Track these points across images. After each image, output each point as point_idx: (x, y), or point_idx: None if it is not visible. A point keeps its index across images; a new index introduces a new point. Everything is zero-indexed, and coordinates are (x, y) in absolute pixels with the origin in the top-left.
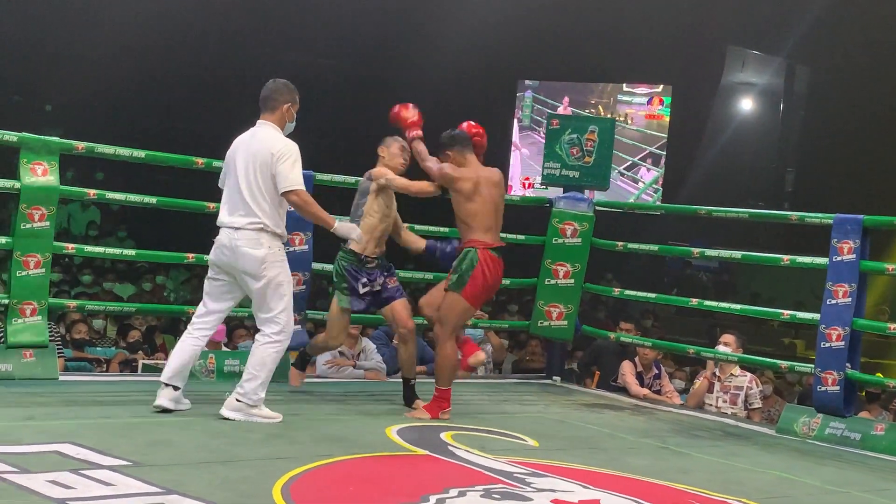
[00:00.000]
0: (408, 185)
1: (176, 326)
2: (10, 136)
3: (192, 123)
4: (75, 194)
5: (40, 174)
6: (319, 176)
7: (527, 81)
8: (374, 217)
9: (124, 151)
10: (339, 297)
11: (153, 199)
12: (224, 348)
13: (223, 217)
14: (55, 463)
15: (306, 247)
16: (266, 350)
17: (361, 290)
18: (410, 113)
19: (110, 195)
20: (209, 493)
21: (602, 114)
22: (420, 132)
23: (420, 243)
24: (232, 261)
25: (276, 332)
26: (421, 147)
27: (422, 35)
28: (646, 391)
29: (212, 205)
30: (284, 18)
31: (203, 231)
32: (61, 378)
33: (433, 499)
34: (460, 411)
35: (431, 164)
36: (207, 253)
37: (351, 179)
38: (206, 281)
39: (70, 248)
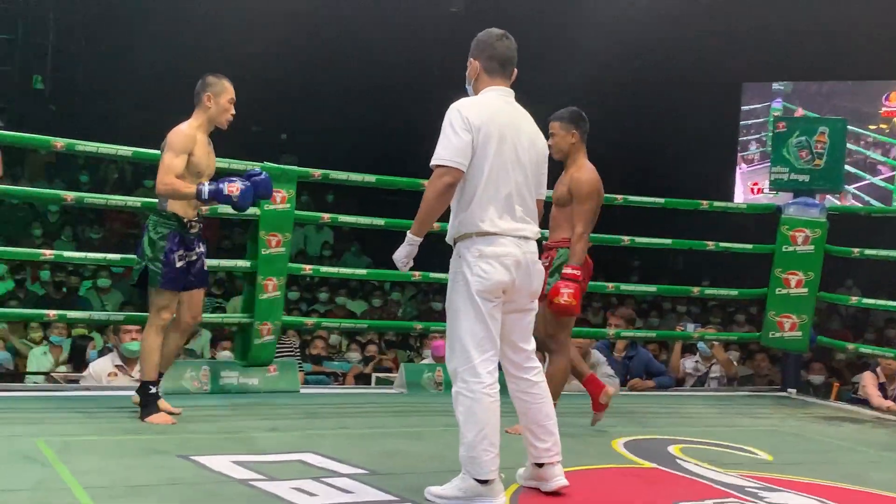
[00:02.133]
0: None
1: (406, 342)
2: (254, 167)
3: (417, 146)
4: (310, 219)
5: (279, 201)
6: None
7: (774, 85)
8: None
9: (356, 177)
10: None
11: (381, 221)
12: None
13: (498, 221)
14: (298, 471)
15: None
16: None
17: (178, 264)
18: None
19: (342, 218)
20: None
21: None
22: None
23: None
24: (525, 281)
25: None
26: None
27: (641, 38)
28: (889, 403)
29: (439, 226)
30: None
31: (429, 248)
32: (301, 391)
33: None
34: (690, 424)
35: (588, 207)
36: (434, 270)
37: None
38: (481, 322)
39: (307, 269)
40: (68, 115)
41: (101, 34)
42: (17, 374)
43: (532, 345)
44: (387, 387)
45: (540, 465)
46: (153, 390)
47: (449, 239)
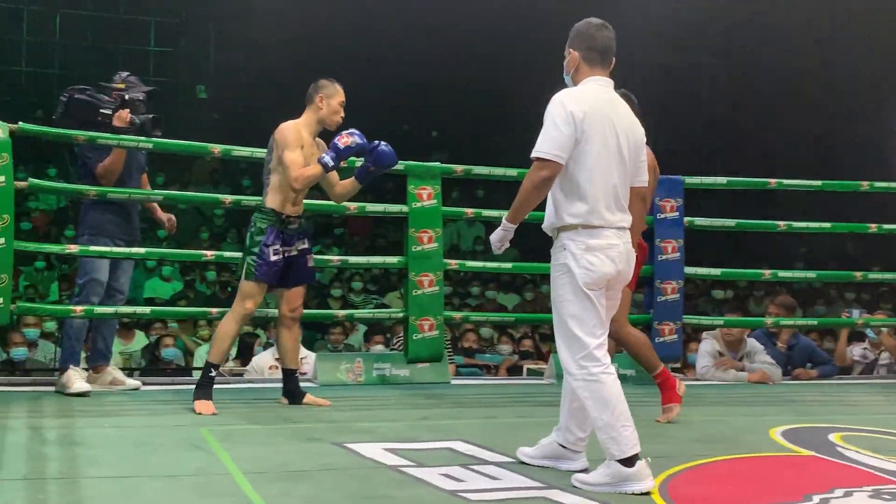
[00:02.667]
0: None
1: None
2: (397, 165)
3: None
4: (455, 214)
5: (425, 198)
6: (689, 180)
7: None
8: (280, 174)
9: (498, 171)
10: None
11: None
12: None
13: (605, 213)
14: (447, 458)
15: (678, 254)
16: None
17: (272, 257)
18: None
19: (487, 213)
20: (589, 489)
21: None
22: None
23: (354, 183)
24: (626, 271)
25: None
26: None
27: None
28: None
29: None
30: (667, 20)
31: None
32: (452, 382)
33: (816, 498)
34: (853, 412)
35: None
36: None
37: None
38: (590, 310)
39: (453, 264)
40: (230, 122)
41: (262, 43)
42: (185, 370)
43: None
44: (537, 378)
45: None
46: (213, 374)
47: (547, 228)
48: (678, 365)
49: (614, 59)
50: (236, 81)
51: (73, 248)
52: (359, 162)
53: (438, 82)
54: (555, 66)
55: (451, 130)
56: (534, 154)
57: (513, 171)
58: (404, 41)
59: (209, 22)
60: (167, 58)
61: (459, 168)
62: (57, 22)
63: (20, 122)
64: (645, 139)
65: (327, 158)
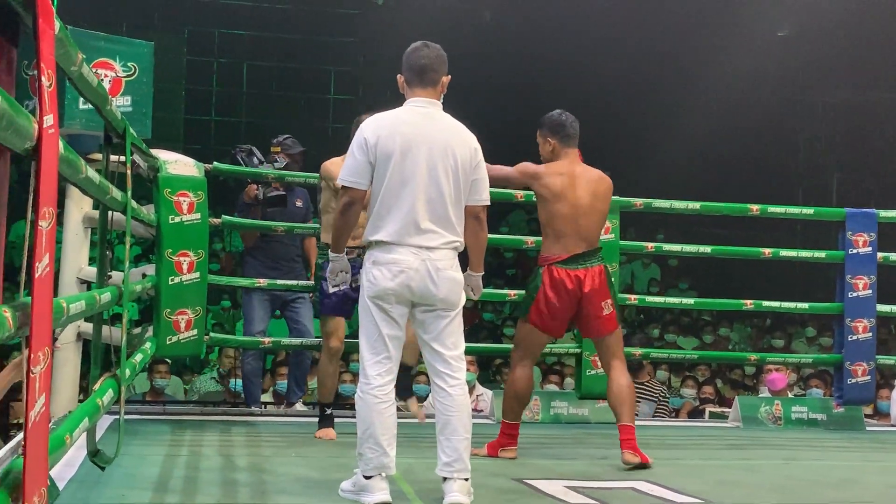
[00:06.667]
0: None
1: (740, 381)
2: None
3: (742, 176)
4: (635, 248)
5: (603, 233)
6: (884, 213)
7: None
8: (330, 213)
9: (679, 205)
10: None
11: (707, 249)
12: (789, 394)
13: (398, 232)
14: (631, 498)
15: (870, 291)
16: (469, 402)
17: (331, 290)
18: None
19: (667, 247)
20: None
21: None
22: None
23: None
24: (423, 287)
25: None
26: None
27: None
28: None
29: (767, 251)
30: (849, 56)
31: (759, 278)
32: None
33: None
34: None
35: (508, 169)
36: (766, 299)
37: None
38: (371, 324)
39: (633, 298)
40: None
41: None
42: None
43: (454, 351)
44: (720, 420)
45: (443, 479)
46: (328, 411)
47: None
48: (869, 411)
49: (445, 77)
50: None
51: (262, 283)
52: None
53: (615, 117)
54: (742, 94)
55: (626, 164)
56: (336, 181)
57: (696, 204)
58: (585, 73)
59: (385, 70)
60: (346, 105)
61: (639, 202)
62: (244, 73)
63: (214, 163)
64: (475, 159)
65: None
